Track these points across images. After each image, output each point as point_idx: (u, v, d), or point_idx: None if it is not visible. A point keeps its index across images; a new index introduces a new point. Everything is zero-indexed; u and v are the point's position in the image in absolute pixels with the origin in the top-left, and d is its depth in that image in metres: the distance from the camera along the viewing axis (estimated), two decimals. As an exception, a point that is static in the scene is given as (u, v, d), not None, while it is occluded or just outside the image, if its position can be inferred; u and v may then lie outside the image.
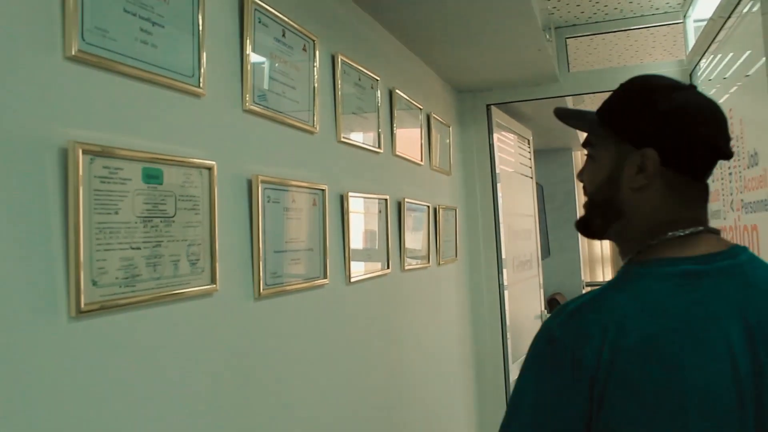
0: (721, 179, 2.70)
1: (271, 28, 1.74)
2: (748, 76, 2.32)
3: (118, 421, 1.17)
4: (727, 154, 1.03)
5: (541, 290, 4.97)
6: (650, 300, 0.95)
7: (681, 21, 3.64)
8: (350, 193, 2.17)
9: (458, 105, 3.95)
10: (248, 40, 1.63)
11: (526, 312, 4.54)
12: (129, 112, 1.24)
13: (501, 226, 4.02)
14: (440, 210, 3.25)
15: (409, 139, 2.90)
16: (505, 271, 4.01)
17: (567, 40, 3.84)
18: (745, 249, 1.02)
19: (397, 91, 2.73)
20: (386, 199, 2.53)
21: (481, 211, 3.99)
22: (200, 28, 1.43)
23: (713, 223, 1.06)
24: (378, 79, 2.50)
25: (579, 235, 6.49)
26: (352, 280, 2.16)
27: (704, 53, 3.13)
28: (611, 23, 3.73)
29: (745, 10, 2.30)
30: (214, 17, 1.51)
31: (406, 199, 2.75)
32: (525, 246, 4.64)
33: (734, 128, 2.37)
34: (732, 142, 1.06)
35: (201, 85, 1.43)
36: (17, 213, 1.00)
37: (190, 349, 1.37)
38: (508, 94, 3.97)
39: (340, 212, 2.12)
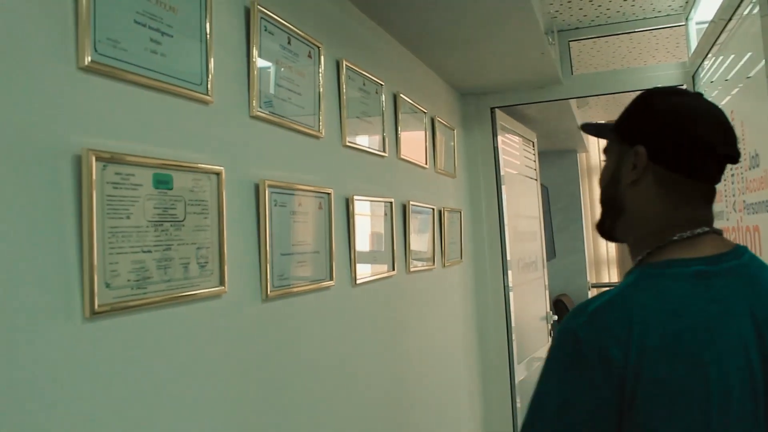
0: (723, 181, 2.72)
1: (276, 36, 1.78)
2: (749, 77, 2.34)
3: (129, 419, 1.21)
4: (729, 156, 1.07)
5: (547, 291, 4.99)
6: (669, 300, 0.98)
7: (683, 23, 3.66)
8: (356, 197, 2.21)
9: (462, 108, 3.98)
10: (255, 48, 1.67)
11: (532, 313, 4.56)
12: (140, 120, 1.28)
13: (506, 227, 4.04)
14: (445, 212, 3.28)
15: (413, 143, 2.94)
16: (510, 272, 4.03)
17: (570, 42, 3.86)
18: (746, 249, 1.07)
19: (401, 95, 2.76)
20: (391, 202, 2.56)
21: (486, 213, 4.02)
22: (208, 36, 1.47)
23: (716, 224, 1.10)
24: (382, 83, 2.54)
25: (584, 236, 6.53)
26: (358, 281, 2.19)
27: (706, 55, 3.15)
28: (614, 26, 3.75)
29: (746, 13, 2.32)
30: (221, 26, 1.55)
31: (411, 202, 2.78)
32: (530, 247, 4.67)
33: (736, 130, 2.39)
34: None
35: (209, 92, 1.47)
36: (33, 218, 1.04)
37: (199, 350, 1.41)
38: (512, 97, 3.99)
39: (345, 215, 2.15)
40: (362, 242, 2.27)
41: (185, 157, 1.39)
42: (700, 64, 3.32)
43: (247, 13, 1.67)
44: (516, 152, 4.49)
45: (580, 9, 3.44)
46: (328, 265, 1.99)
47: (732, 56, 2.65)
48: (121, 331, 1.19)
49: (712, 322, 0.96)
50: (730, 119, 1.11)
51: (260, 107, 1.68)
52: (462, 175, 3.83)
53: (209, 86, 1.47)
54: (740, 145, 2.34)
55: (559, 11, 3.46)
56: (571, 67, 3.87)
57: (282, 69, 1.81)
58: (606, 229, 1.19)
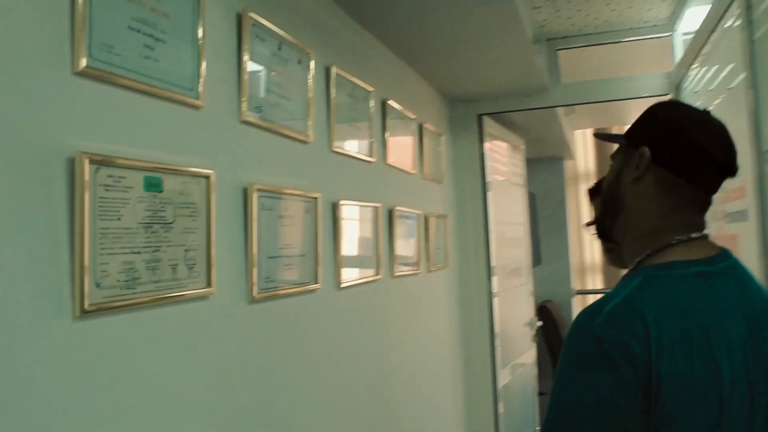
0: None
1: (267, 42, 1.81)
2: (730, 88, 2.39)
3: (117, 416, 1.23)
4: (728, 166, 1.14)
5: (532, 298, 5.02)
6: (677, 299, 1.04)
7: (669, 34, 3.71)
8: (342, 201, 2.24)
9: (450, 115, 4.02)
10: (246, 54, 1.70)
11: (516, 319, 4.59)
12: (132, 124, 1.31)
13: (492, 233, 4.08)
14: (431, 218, 3.32)
15: (401, 148, 2.97)
16: (495, 278, 4.07)
17: (558, 51, 3.91)
18: (730, 252, 1.15)
19: (389, 101, 2.80)
20: (378, 207, 2.60)
21: (471, 219, 4.05)
22: (200, 42, 1.50)
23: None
24: (371, 89, 2.57)
25: (570, 243, 6.58)
26: (343, 285, 2.22)
27: (691, 65, 3.20)
28: (601, 35, 3.80)
29: (728, 25, 2.37)
30: (213, 32, 1.58)
31: (398, 207, 2.81)
32: (515, 254, 4.70)
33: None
34: None
35: (200, 97, 1.50)
36: (27, 218, 1.07)
37: (186, 349, 1.43)
38: (500, 104, 4.03)
39: (332, 220, 2.18)
40: (348, 246, 2.30)
41: (176, 160, 1.42)
42: (685, 74, 3.37)
43: (239, 19, 1.70)
44: (503, 159, 4.53)
45: (568, 18, 3.49)
46: (313, 269, 2.02)
47: (715, 67, 2.70)
48: (110, 330, 1.22)
49: (717, 319, 1.04)
50: None
51: (250, 112, 1.71)
52: (449, 181, 3.87)
53: (200, 91, 1.50)
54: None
55: (548, 20, 3.50)
56: (559, 75, 3.92)
57: (272, 75, 1.84)
58: (605, 227, 1.25)
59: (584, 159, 7.22)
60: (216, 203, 1.52)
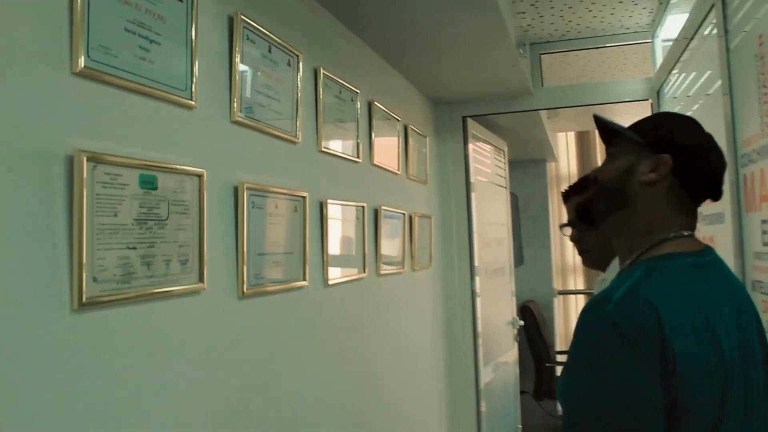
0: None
1: (258, 44, 1.85)
2: (708, 94, 2.46)
3: (113, 406, 1.27)
4: (718, 194, 1.26)
5: (514, 298, 5.08)
6: (679, 286, 1.13)
7: (650, 40, 3.79)
8: (329, 201, 2.28)
9: (435, 117, 4.07)
10: (237, 55, 1.74)
11: (498, 318, 4.64)
12: (128, 123, 1.35)
13: (475, 234, 4.13)
14: (416, 218, 3.37)
15: (386, 149, 3.02)
16: (477, 278, 4.12)
17: (541, 55, 3.97)
18: (712, 247, 1.25)
19: (376, 103, 2.85)
20: (364, 207, 2.64)
21: (455, 220, 4.11)
22: (193, 44, 1.54)
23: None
24: (358, 91, 2.62)
25: (552, 244, 6.65)
26: (330, 283, 2.26)
27: (670, 72, 3.27)
28: (584, 41, 3.87)
29: (706, 33, 2.43)
30: (205, 34, 1.61)
31: (383, 207, 2.86)
32: (498, 254, 4.75)
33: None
34: None
35: (193, 97, 1.54)
36: (28, 214, 1.10)
37: (178, 343, 1.47)
38: (484, 107, 4.09)
39: (319, 218, 2.23)
40: (335, 245, 2.34)
41: (170, 159, 1.45)
42: (665, 79, 3.45)
43: (231, 21, 1.74)
44: (487, 160, 4.58)
45: (552, 23, 3.55)
46: (301, 266, 2.06)
47: (694, 73, 2.77)
48: (106, 322, 1.26)
49: (714, 304, 1.13)
50: None
51: (241, 113, 1.75)
52: (433, 181, 3.92)
53: (193, 92, 1.54)
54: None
55: (531, 25, 3.56)
56: (542, 79, 3.99)
57: (262, 76, 1.88)
58: (597, 214, 1.30)
59: (567, 161, 7.29)
60: (208, 201, 1.56)
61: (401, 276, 3.16)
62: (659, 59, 3.67)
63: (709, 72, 2.43)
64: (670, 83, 3.34)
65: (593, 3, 3.27)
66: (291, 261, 1.99)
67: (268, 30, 1.89)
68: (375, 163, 2.82)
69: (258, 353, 1.81)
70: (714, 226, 2.35)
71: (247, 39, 1.79)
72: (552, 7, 3.30)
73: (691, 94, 2.83)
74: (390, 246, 2.98)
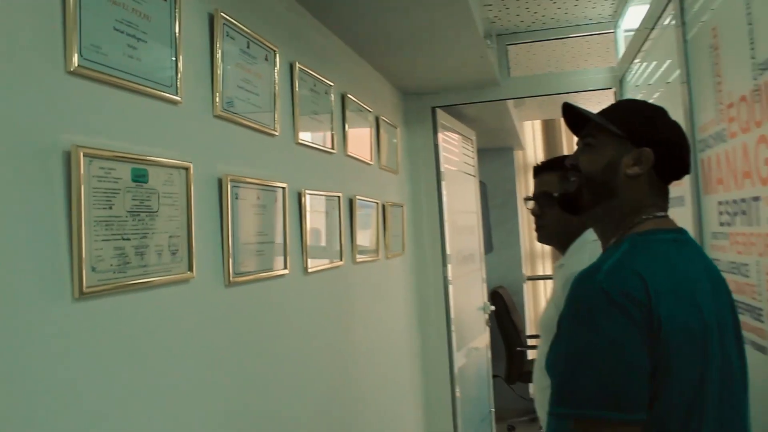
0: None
1: (237, 41, 1.91)
2: (668, 83, 2.56)
3: (111, 390, 1.33)
4: (686, 174, 1.39)
5: (484, 284, 5.18)
6: (663, 257, 1.24)
7: (612, 31, 3.90)
8: (307, 191, 2.35)
9: (405, 107, 4.15)
10: (218, 52, 1.79)
11: (470, 304, 4.73)
12: (118, 119, 1.40)
13: (446, 222, 4.21)
14: (388, 206, 3.45)
15: (359, 140, 3.09)
16: (449, 265, 4.21)
17: (508, 46, 4.06)
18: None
19: (348, 95, 2.91)
20: (339, 196, 2.71)
21: (426, 208, 4.19)
22: (177, 42, 1.60)
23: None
24: (332, 84, 2.68)
25: (520, 231, 6.77)
26: (310, 270, 2.33)
27: (632, 61, 3.38)
28: (549, 31, 3.96)
29: (666, 23, 2.53)
30: (188, 31, 1.67)
31: (357, 197, 2.93)
32: (468, 241, 4.84)
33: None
34: None
35: (178, 93, 1.59)
36: (30, 208, 1.16)
37: (171, 329, 1.54)
38: (452, 97, 4.17)
39: (298, 208, 2.29)
40: (313, 234, 2.41)
41: (158, 153, 1.51)
42: (628, 68, 3.55)
43: (211, 19, 1.79)
44: (455, 150, 4.67)
45: (518, 15, 3.64)
46: (282, 255, 2.12)
47: (654, 62, 2.88)
48: (104, 310, 1.32)
49: (694, 275, 1.25)
50: None
51: (223, 107, 1.81)
52: (404, 171, 4.00)
53: (178, 87, 1.59)
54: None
55: (498, 16, 3.65)
56: (509, 69, 4.08)
57: (241, 71, 1.94)
58: (582, 204, 1.39)
59: (533, 149, 7.42)
60: (195, 193, 1.62)
61: (376, 264, 3.23)
62: (621, 49, 3.78)
63: (669, 61, 2.52)
64: (633, 72, 3.45)
65: (557, -5, 3.37)
66: (273, 250, 2.06)
67: (247, 26, 1.95)
68: (349, 153, 2.89)
69: (243, 338, 1.87)
70: (675, 209, 2.46)
71: (227, 35, 1.85)
72: (518, -1, 3.39)
73: (652, 82, 2.93)
74: (364, 234, 3.05)
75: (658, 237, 1.28)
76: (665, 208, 1.35)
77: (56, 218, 1.21)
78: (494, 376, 5.24)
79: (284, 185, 2.15)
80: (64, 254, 1.22)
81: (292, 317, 2.21)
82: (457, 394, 4.17)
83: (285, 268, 2.13)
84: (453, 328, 4.20)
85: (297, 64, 2.33)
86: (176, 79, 1.59)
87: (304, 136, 2.38)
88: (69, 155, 1.24)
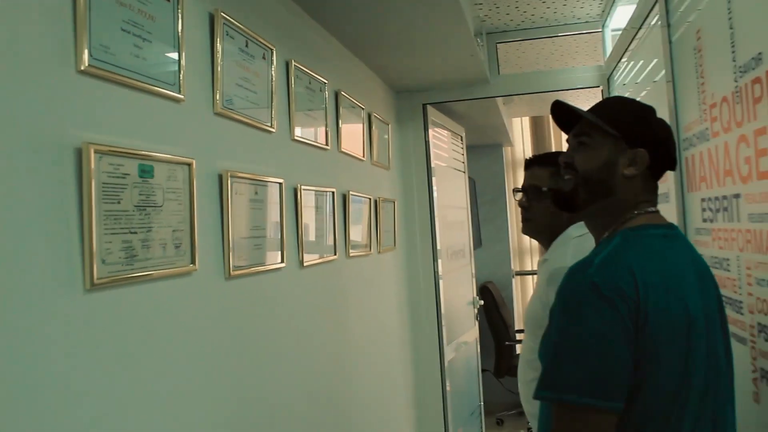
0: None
1: (236, 40, 1.96)
2: (655, 81, 2.63)
3: (120, 377, 1.38)
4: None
5: (474, 279, 5.24)
6: (653, 252, 1.30)
7: (600, 30, 3.96)
8: (303, 187, 2.40)
9: (397, 104, 4.21)
10: (218, 51, 1.84)
11: (459, 299, 4.80)
12: (126, 116, 1.45)
13: (436, 217, 4.27)
14: (380, 202, 3.50)
15: (352, 136, 3.14)
16: (439, 260, 4.27)
17: (497, 44, 4.12)
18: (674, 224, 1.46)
19: (342, 92, 2.97)
20: (333, 192, 2.77)
21: (417, 203, 4.25)
22: (179, 41, 1.64)
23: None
24: (326, 81, 2.73)
25: (509, 227, 6.83)
26: (306, 264, 2.39)
27: (620, 60, 3.44)
28: (538, 30, 4.02)
29: (653, 23, 2.59)
30: (189, 31, 1.72)
31: (351, 192, 2.99)
32: (458, 237, 4.90)
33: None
34: None
35: (181, 91, 1.64)
36: (44, 203, 1.21)
37: (174, 319, 1.59)
38: (443, 95, 4.23)
39: (294, 203, 2.34)
40: (309, 228, 2.47)
41: (163, 149, 1.56)
42: (615, 67, 3.62)
43: (212, 19, 1.84)
44: (446, 146, 4.72)
45: (507, 14, 3.70)
46: (279, 249, 2.18)
47: (641, 61, 2.94)
48: (113, 301, 1.37)
49: (681, 268, 1.30)
50: None
51: (223, 105, 1.86)
52: (395, 167, 4.05)
53: (181, 86, 1.64)
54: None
55: (488, 15, 3.71)
56: (498, 67, 4.14)
57: (240, 69, 1.99)
58: (579, 203, 1.44)
59: (522, 146, 7.49)
60: (197, 188, 1.67)
61: (368, 258, 3.29)
62: (609, 48, 3.85)
63: (655, 60, 2.58)
64: (620, 71, 3.52)
65: (546, -6, 3.43)
66: (270, 244, 2.11)
67: (245, 26, 2.00)
68: (342, 150, 2.94)
69: (242, 329, 1.93)
70: (661, 205, 2.51)
71: (227, 35, 1.90)
72: (508, -1, 3.45)
73: (639, 81, 3.00)
74: (357, 229, 3.11)
75: (649, 232, 1.34)
76: (655, 203, 1.41)
77: (68, 212, 1.26)
78: (483, 370, 5.30)
79: (281, 181, 2.20)
80: (76, 247, 1.27)
81: (288, 309, 2.26)
82: (448, 387, 4.23)
83: (282, 261, 2.19)
84: (443, 322, 4.26)
85: (293, 62, 2.38)
86: (179, 77, 1.64)
87: (300, 133, 2.43)
88: (80, 152, 1.29)
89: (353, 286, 3.02)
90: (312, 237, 2.51)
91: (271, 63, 2.19)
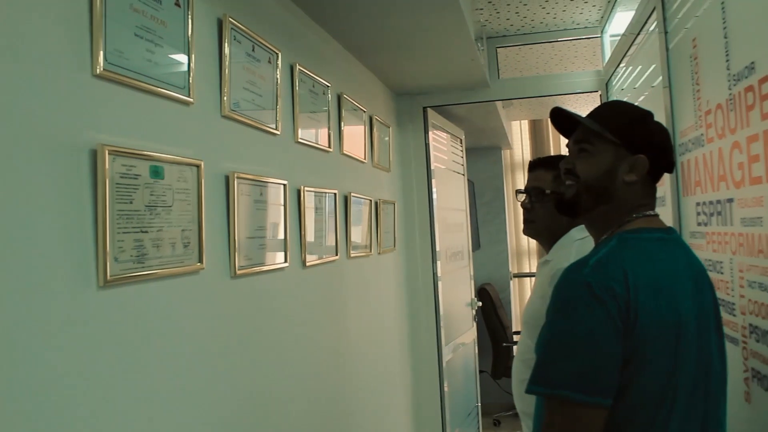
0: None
1: (243, 44, 2.00)
2: (653, 87, 2.67)
3: (131, 370, 1.43)
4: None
5: (472, 281, 5.28)
6: (647, 254, 1.33)
7: (599, 35, 4.02)
8: (306, 188, 2.44)
9: (397, 107, 4.25)
10: (225, 55, 1.89)
11: (458, 300, 4.84)
12: (139, 119, 1.50)
13: (435, 219, 4.31)
14: (381, 204, 3.55)
15: (354, 139, 3.19)
16: (438, 261, 4.31)
17: (497, 49, 4.17)
18: (673, 228, 1.51)
19: (344, 95, 3.01)
20: (335, 193, 2.81)
21: (417, 205, 4.29)
22: (189, 46, 1.69)
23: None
24: (329, 85, 2.78)
25: (507, 229, 6.88)
26: (308, 264, 2.43)
27: (618, 65, 3.49)
28: (537, 35, 4.08)
29: (651, 29, 2.64)
30: (198, 36, 1.76)
31: (352, 194, 3.03)
32: (457, 238, 4.94)
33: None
34: None
35: (190, 94, 1.69)
36: (60, 202, 1.25)
37: (182, 316, 1.63)
38: (443, 98, 4.28)
39: (297, 204, 2.39)
40: (311, 229, 2.51)
41: (173, 151, 1.60)
42: (613, 72, 3.67)
43: (220, 24, 1.88)
44: (445, 148, 4.76)
45: (507, 19, 3.75)
46: (283, 249, 2.22)
47: (639, 67, 2.99)
48: (125, 298, 1.41)
49: (675, 271, 1.34)
50: None
51: (230, 107, 1.90)
52: (396, 169, 4.10)
53: (190, 89, 1.69)
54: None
55: (489, 20, 3.76)
56: (498, 71, 4.19)
57: (247, 73, 2.03)
58: (581, 209, 1.47)
59: (521, 149, 7.53)
60: (205, 189, 1.72)
61: (368, 259, 3.34)
62: (608, 53, 3.90)
63: (653, 66, 2.63)
64: (618, 76, 3.57)
65: (546, 0, 3.48)
66: (274, 244, 2.16)
67: (252, 30, 2.04)
68: (344, 152, 2.99)
69: (247, 326, 1.97)
70: (657, 209, 2.56)
71: (234, 39, 1.94)
72: (508, 4, 3.49)
73: (637, 86, 3.05)
74: (358, 230, 3.15)
75: (644, 236, 1.38)
76: (654, 206, 1.45)
77: (84, 211, 1.31)
78: (480, 371, 5.34)
79: (285, 182, 2.24)
80: (90, 245, 1.32)
81: (290, 308, 2.31)
82: (445, 388, 4.27)
83: (285, 261, 2.23)
84: (442, 323, 4.30)
85: (297, 66, 2.42)
86: (189, 81, 1.69)
87: (303, 135, 2.47)
88: (95, 153, 1.33)
89: (353, 287, 3.06)
90: (314, 238, 2.56)
91: (276, 66, 2.23)
